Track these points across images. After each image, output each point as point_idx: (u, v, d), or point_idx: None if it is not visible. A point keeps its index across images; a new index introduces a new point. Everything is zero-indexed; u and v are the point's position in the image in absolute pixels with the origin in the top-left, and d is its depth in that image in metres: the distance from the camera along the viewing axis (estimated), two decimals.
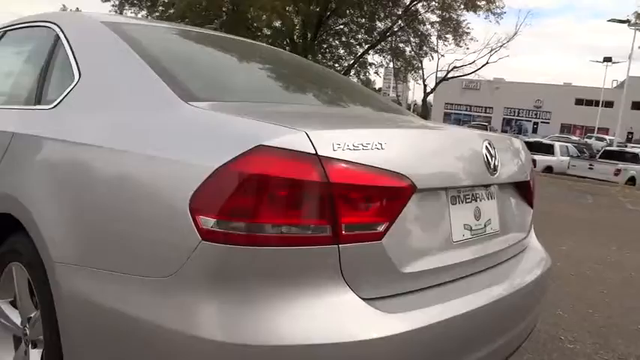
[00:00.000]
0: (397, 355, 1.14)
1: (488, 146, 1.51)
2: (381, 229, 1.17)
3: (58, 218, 1.31)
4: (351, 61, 20.89)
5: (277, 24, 18.43)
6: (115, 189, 1.25)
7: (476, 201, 1.54)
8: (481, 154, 1.47)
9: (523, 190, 1.83)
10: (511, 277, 1.61)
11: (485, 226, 1.57)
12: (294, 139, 1.08)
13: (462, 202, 1.48)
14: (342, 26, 20.31)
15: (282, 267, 1.08)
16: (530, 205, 1.89)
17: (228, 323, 1.04)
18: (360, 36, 20.60)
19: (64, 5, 19.69)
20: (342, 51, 21.10)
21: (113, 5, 18.52)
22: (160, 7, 18.37)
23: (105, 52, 1.59)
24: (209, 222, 1.05)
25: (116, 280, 1.18)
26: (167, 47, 1.79)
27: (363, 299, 1.15)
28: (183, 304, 1.07)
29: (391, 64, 22.57)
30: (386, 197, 1.18)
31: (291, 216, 1.07)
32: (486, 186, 1.57)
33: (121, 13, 18.86)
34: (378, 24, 19.92)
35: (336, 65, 20.74)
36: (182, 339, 1.05)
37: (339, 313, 1.11)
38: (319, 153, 1.08)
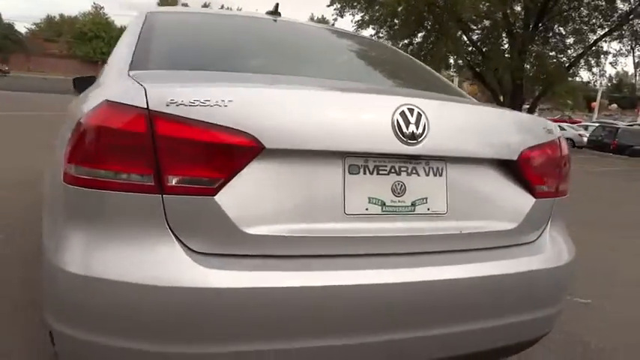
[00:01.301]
0: (209, 308, 1.13)
1: (407, 112, 1.30)
2: (214, 185, 1.16)
3: None
4: (580, 51, 18.33)
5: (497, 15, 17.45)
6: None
7: (397, 174, 1.35)
8: (389, 120, 1.28)
9: (513, 171, 1.50)
10: (455, 267, 1.34)
11: (413, 204, 1.36)
12: (132, 95, 1.17)
13: (371, 173, 1.31)
14: (570, 11, 17.98)
15: (117, 211, 1.18)
16: (531, 192, 1.52)
17: (74, 256, 1.18)
18: (594, 20, 17.94)
19: None
20: (570, 40, 18.70)
21: (335, 9, 20.11)
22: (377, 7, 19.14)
23: (126, 34, 1.90)
24: (69, 167, 1.22)
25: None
26: (174, 29, 2.01)
27: (193, 251, 1.17)
28: (59, 238, 1.25)
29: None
30: (220, 154, 1.17)
31: (120, 164, 1.16)
32: (413, 158, 1.35)
33: (341, 16, 20.40)
34: (619, 4, 17.03)
35: (561, 56, 18.50)
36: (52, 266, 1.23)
37: (161, 259, 1.15)
38: (150, 107, 1.14)
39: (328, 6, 20.05)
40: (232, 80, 1.47)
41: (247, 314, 1.16)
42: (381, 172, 1.33)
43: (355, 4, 19.73)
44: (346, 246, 1.28)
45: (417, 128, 1.30)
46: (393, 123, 1.28)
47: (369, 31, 19.73)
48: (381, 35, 20.11)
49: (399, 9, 17.92)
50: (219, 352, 1.17)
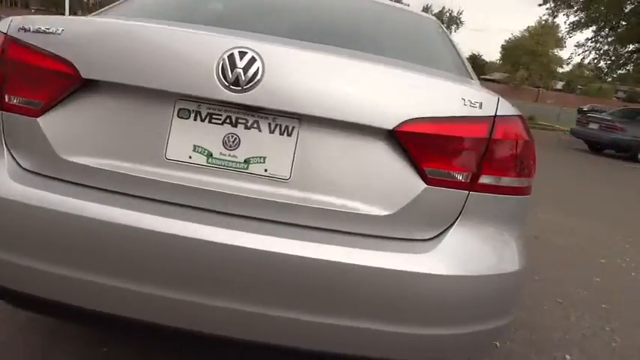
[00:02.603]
0: (19, 222, 1.20)
1: (237, 55, 1.15)
2: (37, 107, 1.23)
3: None
4: None
5: None
6: None
7: (233, 126, 1.21)
8: (214, 62, 1.15)
9: (400, 146, 1.21)
10: (285, 241, 1.16)
11: (247, 162, 1.21)
12: (2, 24, 1.30)
13: (202, 120, 1.21)
14: None
15: None
16: (421, 175, 1.21)
17: None
18: None
19: None
20: None
21: (547, 9, 18.21)
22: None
23: None
24: None
25: None
26: None
27: (21, 167, 1.26)
28: None
29: None
30: (45, 78, 1.22)
31: None
32: (254, 110, 1.19)
33: (554, 16, 18.39)
34: None
35: None
36: None
37: None
38: (7, 32, 1.26)
39: (540, 5, 18.28)
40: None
41: (54, 236, 1.20)
42: (214, 120, 1.22)
43: (572, 3, 17.56)
44: (162, 192, 1.21)
45: (245, 74, 1.15)
46: (217, 66, 1.16)
47: (585, 34, 17.38)
48: (600, 40, 17.54)
49: (627, 9, 15.34)
50: (25, 264, 1.23)
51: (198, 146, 1.21)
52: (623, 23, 16.66)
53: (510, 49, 68.54)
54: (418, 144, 1.21)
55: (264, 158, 1.21)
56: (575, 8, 17.57)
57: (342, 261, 1.15)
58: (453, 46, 2.00)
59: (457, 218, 1.26)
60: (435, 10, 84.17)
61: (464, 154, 1.24)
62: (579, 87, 77.13)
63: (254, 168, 1.21)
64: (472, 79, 1.67)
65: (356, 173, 1.22)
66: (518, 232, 1.39)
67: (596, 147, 13.79)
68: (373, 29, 1.99)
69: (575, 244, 4.32)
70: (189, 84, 1.18)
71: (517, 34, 64.21)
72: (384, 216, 1.22)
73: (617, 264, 4.01)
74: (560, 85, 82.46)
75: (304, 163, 1.22)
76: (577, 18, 17.62)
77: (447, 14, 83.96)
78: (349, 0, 2.25)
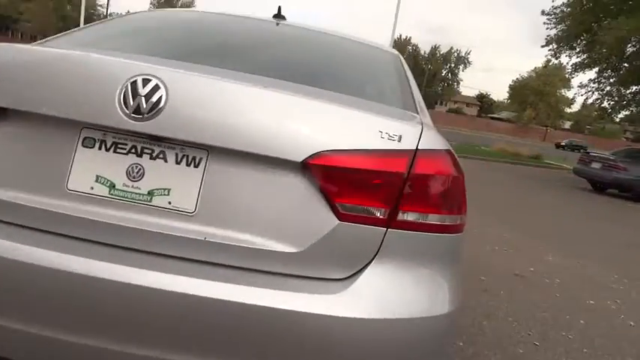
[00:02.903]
0: None
1: (140, 83, 1.11)
2: None
3: None
4: None
5: None
6: None
7: (138, 156, 1.16)
8: (117, 89, 1.11)
9: (308, 178, 1.15)
10: (184, 279, 1.09)
11: (150, 194, 1.15)
12: None
13: (107, 150, 1.17)
14: None
15: None
16: (334, 210, 1.15)
17: None
18: None
19: None
20: None
21: (550, 50, 18.38)
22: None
23: None
24: None
25: None
26: (141, 25, 2.11)
27: None
28: None
29: None
30: None
31: None
32: (160, 139, 1.15)
33: (556, 57, 18.53)
34: None
35: None
36: None
37: None
38: None
39: (543, 46, 18.48)
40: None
41: None
42: (119, 150, 1.17)
43: (574, 45, 17.72)
44: (61, 224, 1.16)
45: (146, 102, 1.11)
46: (120, 93, 1.12)
47: (588, 75, 17.51)
48: (602, 81, 17.60)
49: (628, 51, 15.43)
50: None
51: (101, 177, 1.16)
52: (625, 65, 16.76)
53: (518, 88, 69.16)
54: (329, 178, 1.15)
55: (169, 190, 1.16)
56: (578, 50, 17.73)
57: (241, 301, 1.08)
58: (407, 79, 1.96)
59: (374, 257, 1.18)
60: (444, 50, 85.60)
61: (380, 190, 1.17)
62: (587, 127, 77.14)
63: (157, 200, 1.16)
64: (417, 113, 1.62)
65: (265, 208, 1.16)
66: (450, 272, 1.31)
67: (599, 186, 13.61)
68: (312, 60, 1.96)
69: (566, 284, 4.18)
70: (92, 112, 1.14)
71: (524, 74, 64.81)
72: (293, 253, 1.15)
73: (607, 306, 3.85)
74: (568, 124, 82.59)
75: (211, 196, 1.16)
76: (580, 59, 17.76)
77: (455, 54, 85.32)
78: (296, 32, 2.24)
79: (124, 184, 1.16)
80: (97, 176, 1.16)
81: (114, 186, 1.16)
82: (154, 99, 1.11)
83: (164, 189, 1.16)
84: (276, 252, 1.14)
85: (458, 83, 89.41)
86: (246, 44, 1.93)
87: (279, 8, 2.43)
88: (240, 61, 1.67)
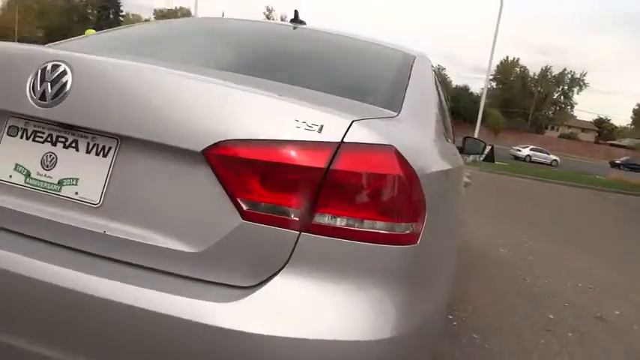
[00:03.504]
0: None
1: (50, 69, 1.06)
2: None
3: None
4: None
5: None
6: None
7: (53, 144, 1.12)
8: (28, 75, 1.08)
9: (213, 168, 1.02)
10: (81, 276, 1.02)
11: (60, 183, 1.10)
12: None
13: (27, 138, 1.14)
14: None
15: None
16: (238, 208, 1.01)
17: None
18: None
19: None
20: None
21: None
22: None
23: None
24: None
25: None
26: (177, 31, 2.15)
27: None
28: None
29: None
30: None
31: None
32: (73, 128, 1.09)
33: None
34: None
35: None
36: None
37: None
38: None
39: None
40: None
41: None
42: (37, 138, 1.14)
43: None
44: None
45: (52, 87, 1.07)
46: (31, 80, 1.09)
47: None
48: None
49: None
50: None
51: (20, 165, 1.14)
52: None
53: None
54: (232, 171, 1.01)
55: (77, 180, 1.10)
56: None
57: (126, 302, 0.97)
58: (408, 79, 1.75)
59: (284, 264, 1.02)
60: (556, 72, 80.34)
61: (292, 187, 1.02)
62: None
63: (66, 190, 1.10)
64: (397, 112, 1.42)
65: (169, 203, 1.06)
66: (399, 292, 1.10)
67: None
68: (295, 56, 1.84)
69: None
70: (11, 100, 1.12)
71: None
72: (192, 253, 1.02)
73: None
74: None
75: (118, 188, 1.08)
76: None
77: (569, 75, 79.66)
78: (303, 33, 2.14)
79: (38, 173, 1.13)
80: (16, 164, 1.14)
81: (29, 174, 1.13)
82: (60, 84, 1.07)
83: (73, 179, 1.10)
84: (175, 251, 1.03)
85: (572, 107, 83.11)
86: (236, 44, 1.88)
87: (296, 12, 2.36)
88: (222, 59, 1.62)
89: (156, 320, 0.97)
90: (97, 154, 1.10)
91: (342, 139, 1.02)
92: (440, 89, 2.21)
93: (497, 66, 76.76)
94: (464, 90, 73.63)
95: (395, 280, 1.10)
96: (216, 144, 1.00)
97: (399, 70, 1.80)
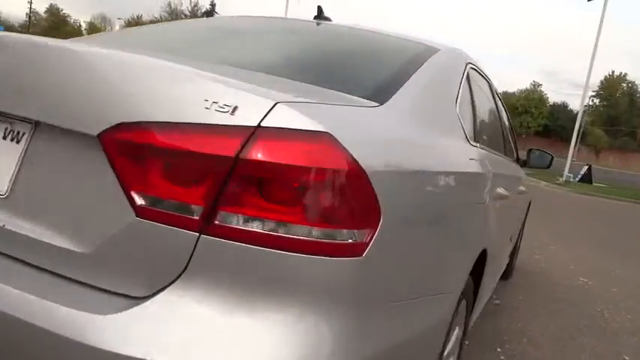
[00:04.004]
0: None
1: None
2: None
3: None
4: None
5: None
6: None
7: None
8: None
9: (109, 154, 0.88)
10: None
11: None
12: None
13: None
14: None
15: None
16: (130, 201, 0.85)
17: None
18: None
19: None
20: None
21: None
22: None
23: None
24: None
25: None
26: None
27: None
28: None
29: None
30: None
31: None
32: None
33: None
34: None
35: None
36: None
37: None
38: None
39: None
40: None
41: None
42: None
43: None
44: None
45: None
46: None
47: None
48: None
49: None
50: None
51: None
52: None
53: None
54: (128, 158, 0.87)
55: None
56: None
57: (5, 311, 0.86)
58: (413, 72, 1.51)
59: (181, 273, 0.85)
60: None
61: (194, 179, 0.85)
62: None
63: None
64: (377, 103, 1.20)
65: (69, 195, 0.93)
66: (335, 314, 0.89)
67: None
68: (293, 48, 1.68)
69: None
70: None
71: None
72: (80, 253, 0.89)
73: None
74: None
75: (26, 177, 0.98)
76: None
77: None
78: (324, 27, 1.97)
79: None
80: None
81: None
82: None
83: None
84: (63, 250, 0.90)
85: None
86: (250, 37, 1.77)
87: (319, 8, 2.20)
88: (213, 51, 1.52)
89: (22, 331, 0.84)
90: (12, 139, 1.01)
91: (259, 124, 0.84)
92: (472, 88, 1.94)
93: (602, 81, 71.22)
94: (562, 107, 69.15)
95: (335, 303, 0.89)
96: (112, 127, 0.87)
97: (407, 62, 1.57)
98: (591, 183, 18.52)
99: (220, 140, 0.84)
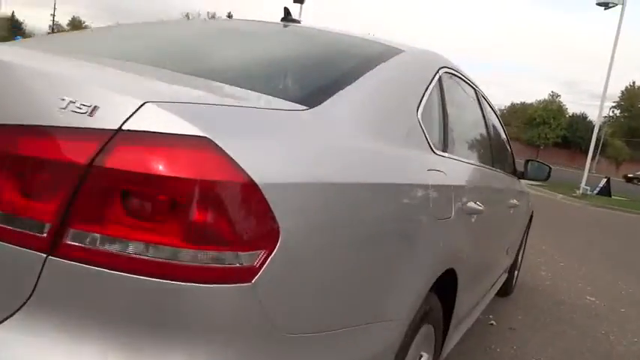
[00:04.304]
0: None
1: None
2: None
3: None
4: None
5: None
6: None
7: None
8: None
9: None
10: None
11: None
12: None
13: None
14: None
15: None
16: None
17: None
18: None
19: None
20: None
21: None
22: None
23: None
24: None
25: None
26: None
27: None
28: None
29: None
30: None
31: None
32: None
33: None
34: None
35: None
36: None
37: None
38: None
39: None
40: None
41: None
42: None
43: None
44: None
45: None
46: None
47: None
48: None
49: None
50: None
51: None
52: None
53: None
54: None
55: None
56: None
57: None
58: (362, 74, 1.36)
59: (23, 304, 0.72)
60: None
61: (43, 190, 0.72)
62: None
63: None
64: (306, 107, 1.07)
65: None
66: (220, 355, 0.75)
67: None
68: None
69: None
70: None
71: None
72: None
73: None
74: None
75: None
76: None
77: None
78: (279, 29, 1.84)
79: None
80: None
81: None
82: None
83: None
84: None
85: None
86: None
87: (286, 10, 2.08)
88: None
89: None
90: None
91: (121, 126, 0.72)
92: (443, 94, 1.79)
93: (622, 92, 69.95)
94: (581, 118, 67.99)
95: (218, 339, 0.75)
96: None
97: (357, 64, 1.42)
98: (610, 196, 18.02)
99: (72, 145, 0.71)
